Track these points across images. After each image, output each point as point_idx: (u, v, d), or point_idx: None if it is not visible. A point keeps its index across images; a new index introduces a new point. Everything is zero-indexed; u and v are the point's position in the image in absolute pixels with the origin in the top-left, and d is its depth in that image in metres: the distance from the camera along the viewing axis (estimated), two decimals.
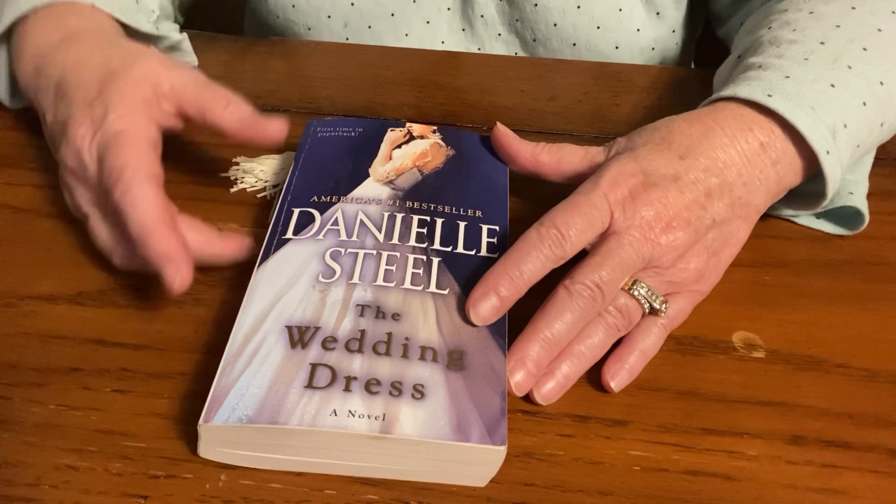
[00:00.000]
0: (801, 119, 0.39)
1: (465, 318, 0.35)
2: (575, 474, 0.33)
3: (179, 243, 0.37)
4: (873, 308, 0.41)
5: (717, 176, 0.39)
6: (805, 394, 0.37)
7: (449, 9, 0.63)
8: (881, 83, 0.42)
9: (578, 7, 0.60)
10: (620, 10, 0.61)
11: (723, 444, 0.35)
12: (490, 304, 0.35)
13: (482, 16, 0.63)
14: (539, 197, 0.47)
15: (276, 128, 0.42)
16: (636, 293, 0.37)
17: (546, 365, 0.36)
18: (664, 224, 0.37)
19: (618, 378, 0.36)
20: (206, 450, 0.32)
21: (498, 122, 0.45)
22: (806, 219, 0.46)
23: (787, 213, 0.45)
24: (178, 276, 0.36)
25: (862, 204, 0.44)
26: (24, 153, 0.49)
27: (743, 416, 0.36)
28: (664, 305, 0.37)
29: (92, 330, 0.38)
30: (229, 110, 0.42)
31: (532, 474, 0.33)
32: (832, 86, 0.40)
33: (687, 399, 0.36)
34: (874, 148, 0.45)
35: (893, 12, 0.45)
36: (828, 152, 0.39)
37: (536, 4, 0.61)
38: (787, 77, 0.41)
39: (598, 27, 0.61)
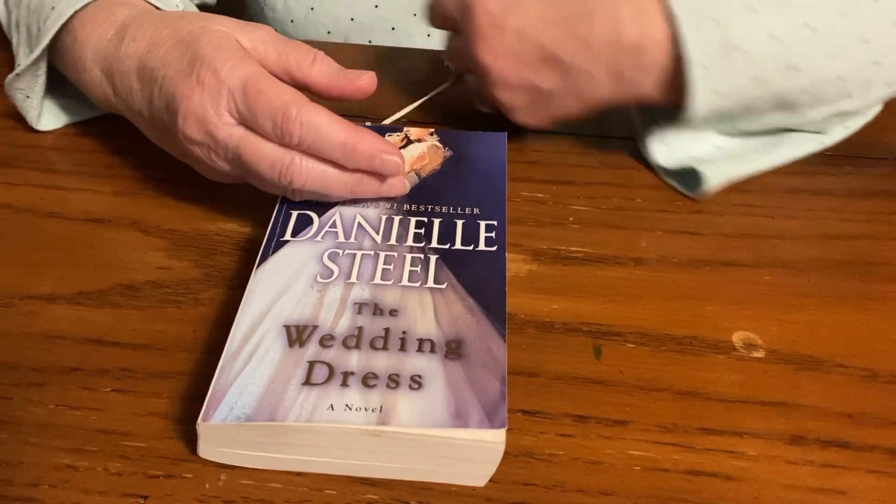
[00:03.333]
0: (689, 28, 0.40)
1: (464, 310, 0.35)
2: (575, 474, 0.33)
3: (379, 137, 0.39)
4: (873, 308, 0.41)
5: None
6: (805, 394, 0.37)
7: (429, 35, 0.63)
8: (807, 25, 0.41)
9: None
10: None
11: (723, 444, 0.35)
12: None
13: None
14: (539, 196, 0.48)
15: (365, 81, 0.42)
16: None
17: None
18: None
19: None
20: (206, 450, 0.32)
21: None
22: (661, 172, 0.48)
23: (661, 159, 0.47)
24: (397, 161, 0.39)
25: (715, 176, 0.45)
26: (24, 153, 0.49)
27: (743, 416, 0.36)
28: None
29: (92, 330, 0.38)
30: (317, 67, 0.41)
31: (532, 474, 0.33)
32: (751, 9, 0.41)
33: (687, 399, 0.36)
34: (770, 104, 0.44)
35: None
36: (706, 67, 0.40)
37: None
38: None
39: None
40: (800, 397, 0.37)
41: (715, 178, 0.46)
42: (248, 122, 0.38)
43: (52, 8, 0.46)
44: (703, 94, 0.40)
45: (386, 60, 0.60)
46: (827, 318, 0.40)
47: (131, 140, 0.48)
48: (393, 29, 0.62)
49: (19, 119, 0.51)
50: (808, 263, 0.44)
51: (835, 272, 0.43)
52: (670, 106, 0.44)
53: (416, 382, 0.32)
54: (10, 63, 0.50)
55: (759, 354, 0.39)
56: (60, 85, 0.50)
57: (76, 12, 0.45)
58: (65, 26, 0.45)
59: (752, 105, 0.43)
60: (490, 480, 0.33)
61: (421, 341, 0.34)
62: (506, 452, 0.31)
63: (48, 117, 0.51)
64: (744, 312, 0.41)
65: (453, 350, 0.34)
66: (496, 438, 0.31)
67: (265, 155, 0.39)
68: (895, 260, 0.44)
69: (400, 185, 0.41)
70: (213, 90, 0.38)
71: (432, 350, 0.34)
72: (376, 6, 0.62)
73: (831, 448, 0.35)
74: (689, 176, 0.47)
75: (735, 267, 0.43)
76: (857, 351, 0.39)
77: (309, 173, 0.39)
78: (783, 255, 0.44)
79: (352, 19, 0.62)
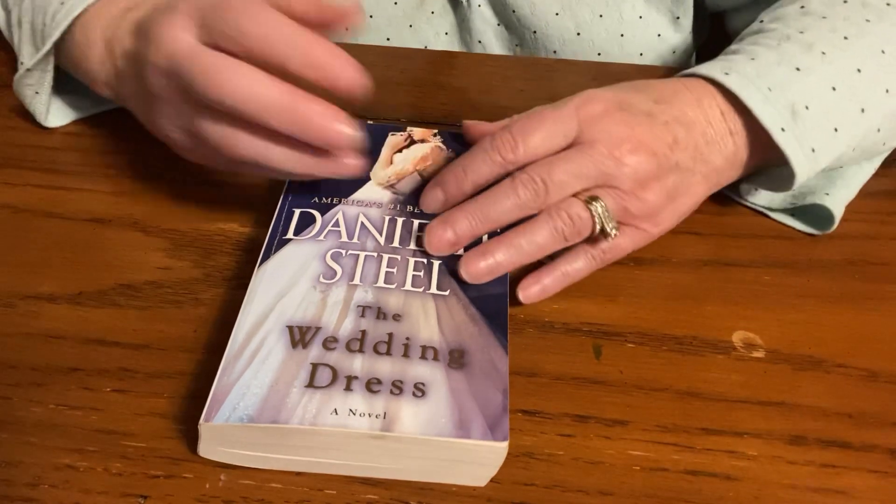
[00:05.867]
0: (752, 97, 0.40)
1: (467, 318, 0.35)
2: (575, 474, 0.33)
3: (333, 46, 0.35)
4: (873, 308, 0.41)
5: (684, 127, 0.40)
6: (805, 394, 0.37)
7: (447, 33, 0.63)
8: (858, 70, 0.42)
9: (578, 34, 0.60)
10: (622, 35, 0.60)
11: (723, 444, 0.35)
12: (436, 198, 0.38)
13: (480, 41, 0.63)
14: None
15: (349, 13, 0.39)
16: (592, 208, 0.37)
17: (470, 238, 0.37)
18: (632, 146, 0.37)
19: (530, 290, 0.38)
20: (207, 449, 0.32)
21: (464, 120, 0.45)
22: (779, 214, 0.46)
23: (762, 202, 0.46)
24: (356, 73, 0.35)
25: (835, 206, 0.44)
26: (25, 153, 0.49)
27: (743, 416, 0.36)
28: (615, 231, 0.38)
29: (92, 330, 0.38)
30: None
31: (532, 474, 0.33)
32: (797, 69, 0.41)
33: (687, 399, 0.36)
34: (870, 140, 0.44)
35: (888, 4, 0.45)
36: (783, 129, 0.40)
37: (535, 32, 0.61)
38: (753, 59, 0.42)
39: (599, 53, 0.61)
40: (800, 397, 0.37)
41: (837, 209, 0.44)
42: (212, 36, 0.36)
43: (62, 3, 0.46)
44: (792, 151, 0.40)
45: (386, 60, 0.60)
46: (827, 318, 0.41)
47: (132, 140, 0.48)
48: (388, 39, 0.63)
49: (20, 119, 0.51)
50: (808, 263, 0.44)
51: (835, 272, 0.43)
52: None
53: (420, 390, 0.32)
54: (11, 63, 0.50)
55: (759, 354, 0.39)
56: (66, 82, 0.50)
57: (87, 6, 0.45)
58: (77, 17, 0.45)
59: (843, 155, 0.43)
60: (490, 480, 0.33)
61: (424, 348, 0.34)
62: (506, 452, 0.31)
63: (55, 113, 0.51)
64: (744, 312, 0.41)
65: (456, 359, 0.34)
66: (500, 443, 0.31)
67: (177, 104, 0.37)
68: (895, 260, 0.44)
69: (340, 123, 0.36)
70: (186, 13, 0.37)
71: (435, 358, 0.34)
72: (371, 16, 0.62)
73: (831, 448, 0.35)
74: (806, 212, 0.46)
75: (735, 267, 0.43)
76: (857, 351, 0.39)
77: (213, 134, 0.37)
78: (783, 255, 0.44)
79: (346, 29, 0.62)
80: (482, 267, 0.37)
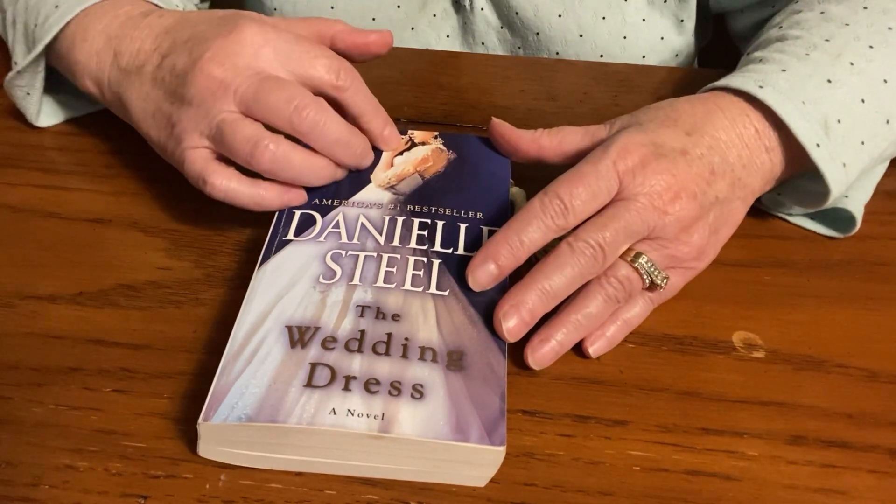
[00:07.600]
0: (789, 112, 0.39)
1: (466, 320, 0.35)
2: (575, 474, 0.33)
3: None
4: (873, 308, 0.41)
5: (719, 155, 0.39)
6: (805, 394, 0.37)
7: (448, 36, 0.63)
8: (885, 80, 0.42)
9: (581, 36, 0.60)
10: (625, 37, 0.60)
11: (723, 444, 0.35)
12: (488, 271, 0.36)
13: (483, 43, 0.63)
14: None
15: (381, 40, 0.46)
16: (638, 265, 0.37)
17: (539, 316, 0.36)
18: (672, 194, 0.37)
19: (597, 345, 0.38)
20: (206, 449, 0.32)
21: (493, 117, 0.45)
22: (799, 218, 0.46)
23: (783, 210, 0.46)
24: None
25: (856, 208, 0.44)
26: (24, 153, 0.49)
27: (743, 416, 0.36)
28: (664, 281, 0.37)
29: (92, 330, 0.38)
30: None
31: (532, 474, 0.33)
32: (829, 81, 0.41)
33: (687, 399, 0.36)
34: (890, 150, 0.44)
35: None
36: (818, 145, 0.39)
37: (538, 34, 0.61)
38: (784, 70, 0.41)
39: (602, 56, 0.61)
40: (800, 397, 0.37)
41: (858, 211, 0.44)
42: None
43: (56, 6, 0.46)
44: (827, 167, 0.40)
45: (386, 60, 0.60)
46: (827, 318, 0.40)
47: (131, 140, 0.48)
48: None
49: (19, 119, 0.51)
50: (808, 263, 0.44)
51: (835, 272, 0.43)
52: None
53: (418, 392, 0.32)
54: (7, 64, 0.50)
55: (759, 354, 0.39)
56: (57, 82, 0.50)
57: (83, 10, 0.45)
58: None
59: (866, 167, 0.43)
60: (490, 480, 0.33)
61: (423, 349, 0.34)
62: (506, 452, 0.31)
63: (46, 113, 0.51)
64: (744, 312, 0.41)
65: (455, 361, 0.34)
66: (497, 447, 0.31)
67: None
68: (895, 260, 0.44)
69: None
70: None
71: (434, 359, 0.34)
72: (373, 19, 0.62)
73: (831, 448, 0.35)
74: (826, 215, 0.45)
75: (735, 267, 0.43)
76: (857, 351, 0.39)
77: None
78: (783, 255, 0.44)
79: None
80: (547, 352, 0.36)
